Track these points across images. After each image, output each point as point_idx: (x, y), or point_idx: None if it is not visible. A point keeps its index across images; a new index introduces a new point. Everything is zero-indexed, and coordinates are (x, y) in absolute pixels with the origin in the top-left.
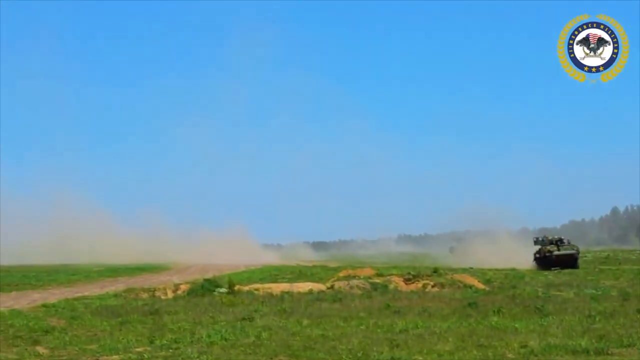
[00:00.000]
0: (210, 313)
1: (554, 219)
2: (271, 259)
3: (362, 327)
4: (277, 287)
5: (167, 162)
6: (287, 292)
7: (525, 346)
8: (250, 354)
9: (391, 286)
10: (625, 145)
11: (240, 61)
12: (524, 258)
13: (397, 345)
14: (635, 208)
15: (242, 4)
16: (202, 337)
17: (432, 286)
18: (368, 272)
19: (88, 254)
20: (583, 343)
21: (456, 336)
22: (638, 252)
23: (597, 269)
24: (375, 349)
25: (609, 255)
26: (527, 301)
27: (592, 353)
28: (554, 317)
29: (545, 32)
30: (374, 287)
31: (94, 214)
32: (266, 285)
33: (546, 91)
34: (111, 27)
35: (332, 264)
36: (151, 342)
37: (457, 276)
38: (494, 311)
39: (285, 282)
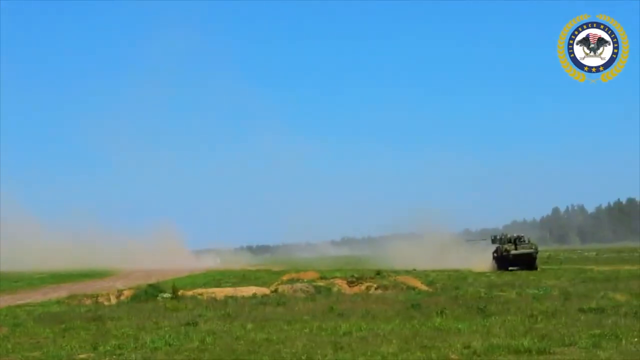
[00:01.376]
0: (154, 318)
1: (496, 219)
2: (210, 263)
3: (306, 330)
4: (221, 292)
5: (96, 167)
6: (231, 297)
7: (468, 347)
8: (194, 359)
9: (335, 289)
10: (565, 145)
11: (164, 63)
12: (467, 259)
13: (341, 348)
14: (575, 208)
15: (162, 5)
16: (146, 343)
17: (376, 288)
18: (311, 275)
19: (14, 260)
20: (525, 343)
21: (400, 338)
22: (579, 251)
23: (538, 269)
24: (319, 351)
25: (550, 255)
26: (470, 302)
27: (534, 352)
28: (497, 318)
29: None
30: (318, 290)
31: (20, 217)
32: (210, 290)
33: (495, 90)
34: (26, 27)
35: (276, 268)
36: (95, 348)
37: (400, 278)
38: (437, 312)
39: (229, 286)
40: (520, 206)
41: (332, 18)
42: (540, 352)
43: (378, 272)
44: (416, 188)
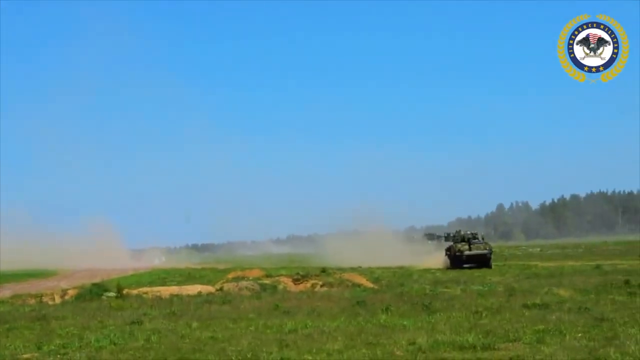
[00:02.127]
0: (99, 317)
1: (441, 216)
2: (155, 261)
3: (251, 328)
4: (166, 290)
5: (29, 167)
6: (176, 295)
7: (413, 343)
8: (139, 357)
9: (280, 287)
10: (505, 143)
11: (96, 62)
12: (416, 256)
13: (287, 346)
14: (520, 205)
15: (88, 7)
16: (90, 342)
17: (321, 286)
18: (257, 273)
19: None
20: (470, 339)
21: (345, 335)
22: (523, 247)
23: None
24: (264, 349)
25: (495, 251)
26: (415, 299)
27: (479, 348)
28: (442, 314)
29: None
30: (263, 288)
31: None
32: (155, 289)
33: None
34: None
35: (221, 266)
36: (39, 348)
37: (346, 275)
38: (382, 309)
39: (174, 284)
40: (465, 203)
41: (258, 16)
42: (485, 348)
43: (323, 270)
44: (361, 186)
